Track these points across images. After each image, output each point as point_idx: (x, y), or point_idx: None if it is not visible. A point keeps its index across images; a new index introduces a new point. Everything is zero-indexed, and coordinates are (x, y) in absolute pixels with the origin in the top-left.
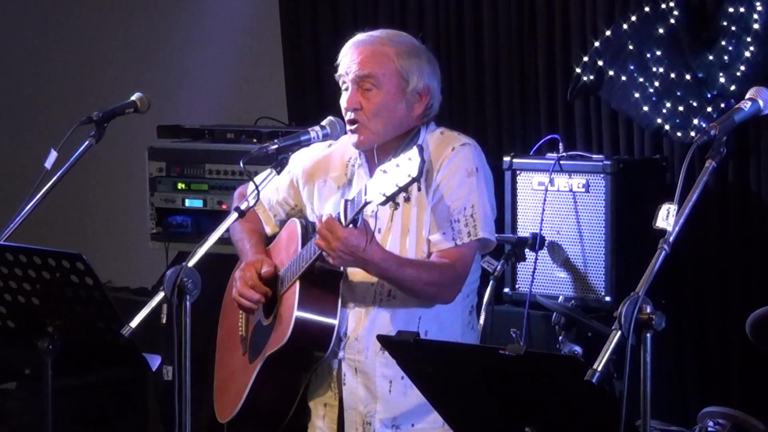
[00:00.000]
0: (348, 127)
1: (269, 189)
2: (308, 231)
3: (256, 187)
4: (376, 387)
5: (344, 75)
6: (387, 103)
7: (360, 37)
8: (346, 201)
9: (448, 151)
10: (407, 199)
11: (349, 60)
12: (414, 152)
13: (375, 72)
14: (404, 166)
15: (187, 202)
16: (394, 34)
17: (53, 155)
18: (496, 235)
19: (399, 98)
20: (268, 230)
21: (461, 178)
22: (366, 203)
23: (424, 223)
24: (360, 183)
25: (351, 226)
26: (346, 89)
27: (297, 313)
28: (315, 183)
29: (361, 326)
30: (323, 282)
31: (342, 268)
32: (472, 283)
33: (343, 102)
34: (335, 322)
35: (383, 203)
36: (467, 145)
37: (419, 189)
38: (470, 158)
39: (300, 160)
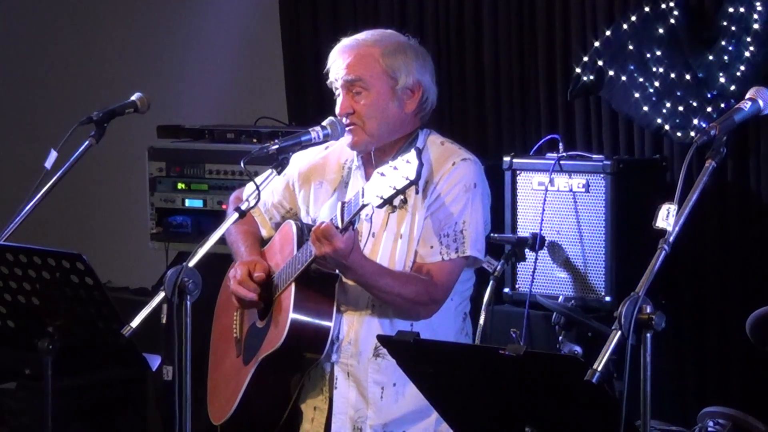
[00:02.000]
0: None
1: (266, 192)
2: (303, 233)
3: (257, 187)
4: (368, 392)
5: (334, 81)
6: (378, 103)
7: (345, 41)
8: (343, 203)
9: (448, 165)
10: (404, 202)
11: (336, 66)
12: (412, 155)
13: (362, 75)
14: (402, 168)
15: (187, 202)
16: (379, 34)
17: (53, 155)
18: (497, 235)
19: (389, 97)
20: (264, 233)
21: (458, 194)
22: (363, 206)
23: (416, 231)
24: (356, 186)
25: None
26: (339, 95)
27: (293, 315)
28: (311, 185)
29: (354, 330)
30: (319, 285)
31: (338, 272)
32: (464, 291)
33: (337, 108)
34: (331, 324)
35: (380, 206)
36: (468, 161)
37: (417, 192)
38: (470, 174)
39: (296, 163)
